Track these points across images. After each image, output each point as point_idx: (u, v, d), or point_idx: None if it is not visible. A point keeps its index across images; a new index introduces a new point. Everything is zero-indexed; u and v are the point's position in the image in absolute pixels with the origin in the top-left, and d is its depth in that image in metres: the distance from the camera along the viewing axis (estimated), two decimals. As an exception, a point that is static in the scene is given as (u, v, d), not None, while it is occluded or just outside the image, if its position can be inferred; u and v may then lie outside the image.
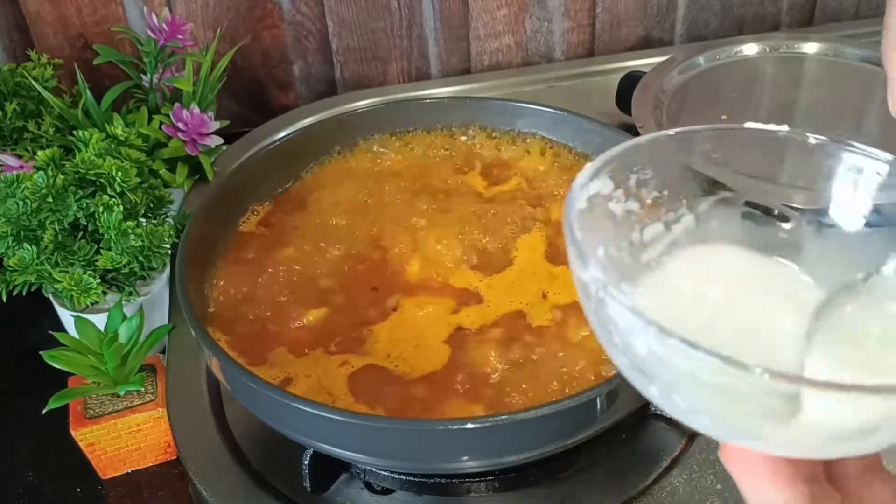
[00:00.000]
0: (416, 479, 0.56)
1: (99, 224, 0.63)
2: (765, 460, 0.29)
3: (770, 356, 0.31)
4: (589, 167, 0.34)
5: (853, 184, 0.37)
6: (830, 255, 0.37)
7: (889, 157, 0.36)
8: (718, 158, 0.37)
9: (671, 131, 0.36)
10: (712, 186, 0.38)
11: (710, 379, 0.27)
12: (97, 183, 0.64)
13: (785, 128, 0.37)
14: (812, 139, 0.37)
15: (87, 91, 0.74)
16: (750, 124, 0.36)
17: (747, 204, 0.38)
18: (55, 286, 0.62)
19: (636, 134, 0.79)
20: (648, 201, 0.37)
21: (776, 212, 0.38)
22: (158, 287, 0.70)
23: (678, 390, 0.29)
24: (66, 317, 0.68)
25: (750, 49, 0.93)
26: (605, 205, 0.35)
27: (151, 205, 0.68)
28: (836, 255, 0.37)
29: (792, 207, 0.38)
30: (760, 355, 0.31)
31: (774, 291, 0.35)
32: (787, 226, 0.38)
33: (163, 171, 0.76)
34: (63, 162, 0.65)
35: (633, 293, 0.35)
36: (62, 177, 0.62)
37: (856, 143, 0.36)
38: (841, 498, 0.31)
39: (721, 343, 0.30)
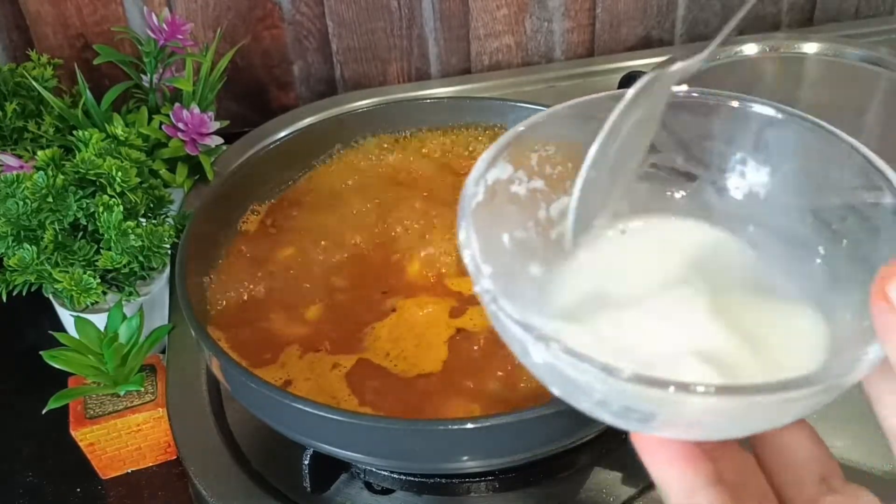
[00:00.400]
0: (416, 479, 0.56)
1: (99, 224, 0.63)
2: (668, 444, 0.30)
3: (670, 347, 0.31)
4: (484, 157, 0.33)
5: (752, 141, 0.36)
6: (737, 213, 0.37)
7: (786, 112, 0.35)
8: None
9: (569, 103, 0.35)
10: None
11: (601, 386, 0.27)
12: (97, 183, 0.64)
13: (684, 87, 0.36)
14: (710, 99, 0.36)
15: (87, 91, 0.74)
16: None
17: (652, 166, 0.38)
18: (55, 286, 0.62)
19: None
20: (553, 176, 0.36)
21: (681, 171, 0.38)
22: (158, 287, 0.70)
23: (575, 393, 0.29)
24: (66, 317, 0.68)
25: (750, 49, 0.93)
26: (507, 189, 0.35)
27: (151, 205, 0.68)
28: (744, 213, 0.37)
29: (695, 167, 0.38)
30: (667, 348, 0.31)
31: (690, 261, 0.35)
32: (690, 185, 0.38)
33: (163, 171, 0.76)
34: (63, 162, 0.65)
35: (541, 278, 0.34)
36: (62, 177, 0.62)
37: (756, 99, 0.36)
38: (754, 457, 0.32)
39: (636, 333, 0.30)
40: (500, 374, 0.54)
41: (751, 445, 0.32)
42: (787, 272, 0.35)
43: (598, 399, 0.28)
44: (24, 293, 0.64)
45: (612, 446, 0.58)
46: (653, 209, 0.37)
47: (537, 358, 0.29)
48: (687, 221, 0.37)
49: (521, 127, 0.35)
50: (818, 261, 0.34)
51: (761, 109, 0.36)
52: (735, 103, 0.36)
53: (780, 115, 0.36)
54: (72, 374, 0.62)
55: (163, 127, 0.76)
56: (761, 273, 0.35)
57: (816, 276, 0.34)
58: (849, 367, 0.27)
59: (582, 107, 0.35)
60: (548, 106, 0.73)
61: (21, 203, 0.61)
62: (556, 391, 0.30)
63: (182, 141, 0.76)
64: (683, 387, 0.25)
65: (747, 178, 0.37)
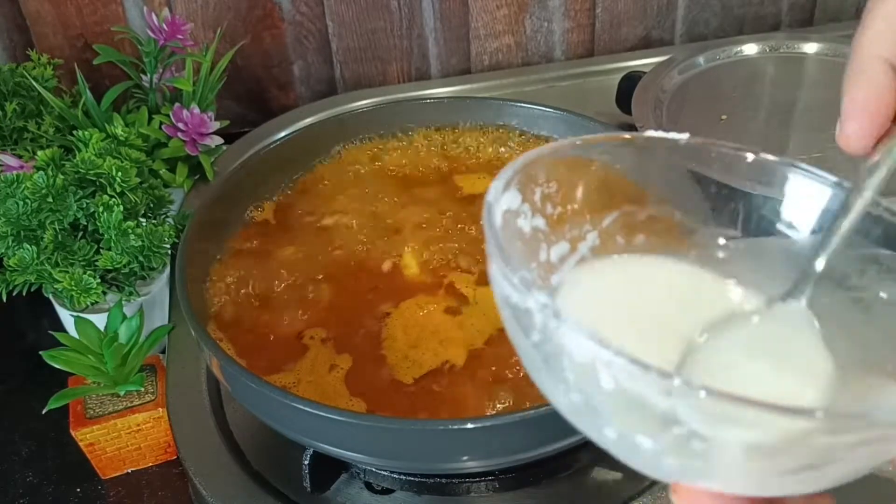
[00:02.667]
0: (416, 479, 0.56)
1: (99, 224, 0.63)
2: (712, 498, 0.28)
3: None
4: (500, 178, 0.31)
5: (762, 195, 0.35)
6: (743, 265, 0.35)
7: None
8: (620, 170, 0.35)
9: (576, 140, 0.33)
10: (615, 199, 0.36)
11: (692, 414, 0.24)
12: (97, 183, 0.64)
13: (685, 136, 0.34)
14: (721, 148, 0.35)
15: (87, 91, 0.74)
16: (650, 133, 0.34)
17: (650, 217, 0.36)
18: (55, 286, 0.62)
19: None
20: (554, 217, 0.34)
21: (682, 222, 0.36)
22: (158, 287, 0.70)
23: (642, 430, 0.26)
24: (66, 317, 0.68)
25: (750, 49, 0.93)
26: (514, 222, 0.32)
27: (151, 205, 0.68)
28: (751, 264, 0.35)
29: (695, 218, 0.36)
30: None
31: (703, 302, 0.33)
32: (694, 237, 0.36)
33: (163, 171, 0.76)
34: (63, 162, 0.65)
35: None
36: (62, 177, 0.62)
37: (750, 151, 0.34)
38: None
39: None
40: (499, 373, 0.54)
41: None
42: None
43: (677, 433, 0.25)
44: (24, 293, 0.64)
45: (612, 446, 0.58)
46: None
47: (608, 382, 0.24)
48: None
49: (528, 156, 0.32)
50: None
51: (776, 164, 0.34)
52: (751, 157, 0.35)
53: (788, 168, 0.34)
54: (72, 374, 0.62)
55: (163, 127, 0.76)
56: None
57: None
58: None
59: (585, 145, 0.33)
60: (548, 106, 0.73)
61: (21, 203, 0.61)
62: (609, 432, 0.27)
63: (182, 141, 0.76)
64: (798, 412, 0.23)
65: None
